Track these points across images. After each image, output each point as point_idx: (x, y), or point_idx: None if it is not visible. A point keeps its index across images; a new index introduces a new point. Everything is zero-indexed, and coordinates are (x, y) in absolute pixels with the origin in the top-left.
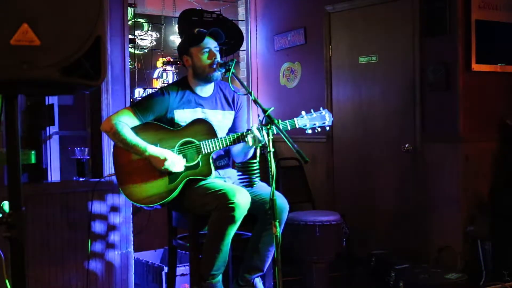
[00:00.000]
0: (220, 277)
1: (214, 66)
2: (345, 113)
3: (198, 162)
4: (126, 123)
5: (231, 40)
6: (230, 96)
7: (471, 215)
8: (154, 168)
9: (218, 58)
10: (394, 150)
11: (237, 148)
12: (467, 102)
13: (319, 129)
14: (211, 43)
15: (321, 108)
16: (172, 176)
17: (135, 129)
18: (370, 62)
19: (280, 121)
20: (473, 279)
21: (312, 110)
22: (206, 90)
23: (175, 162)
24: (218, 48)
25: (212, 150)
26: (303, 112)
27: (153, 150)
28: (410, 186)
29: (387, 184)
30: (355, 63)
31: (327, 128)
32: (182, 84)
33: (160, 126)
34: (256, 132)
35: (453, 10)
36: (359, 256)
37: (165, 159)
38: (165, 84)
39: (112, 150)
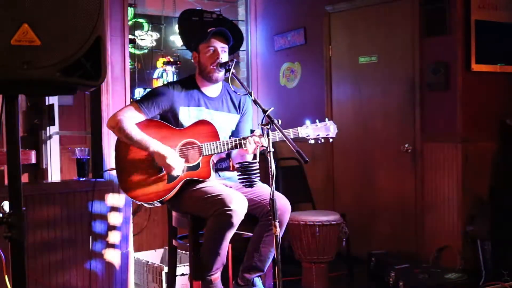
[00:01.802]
0: (218, 274)
1: (215, 66)
2: (345, 113)
3: (199, 163)
4: (131, 118)
5: (232, 40)
6: (236, 100)
7: (471, 215)
8: (153, 165)
9: (222, 59)
10: (394, 150)
11: (235, 151)
12: (467, 102)
13: (322, 140)
14: (218, 43)
15: (326, 119)
16: (172, 175)
17: (138, 126)
18: (370, 62)
19: (280, 121)
20: (473, 279)
21: (317, 121)
22: (212, 90)
23: (175, 165)
24: (225, 50)
25: (213, 153)
26: (308, 122)
27: (157, 146)
28: (410, 186)
29: (387, 184)
30: (355, 63)
31: (331, 140)
32: (189, 82)
33: (163, 124)
34: (258, 138)
35: (453, 10)
36: (359, 256)
37: (166, 158)
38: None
39: (114, 147)
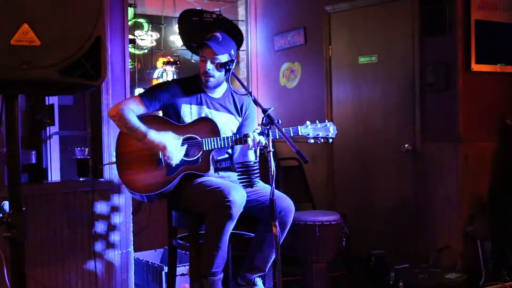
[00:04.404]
0: (221, 275)
1: (204, 76)
2: (345, 113)
3: (198, 158)
4: (132, 109)
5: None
6: (239, 103)
7: (471, 215)
8: (153, 159)
9: (210, 70)
10: (394, 150)
11: (236, 151)
12: (467, 102)
13: (322, 140)
14: (209, 53)
15: (326, 120)
16: (171, 168)
17: (140, 120)
18: (370, 62)
19: (280, 121)
20: (473, 279)
21: (317, 121)
22: (216, 91)
23: (173, 153)
24: (215, 61)
25: (213, 148)
26: (308, 122)
27: (153, 136)
28: (410, 186)
29: (387, 184)
30: (355, 63)
31: (330, 140)
32: (193, 81)
33: (165, 120)
34: (257, 136)
35: (453, 10)
36: (359, 256)
37: (164, 148)
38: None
39: (114, 145)
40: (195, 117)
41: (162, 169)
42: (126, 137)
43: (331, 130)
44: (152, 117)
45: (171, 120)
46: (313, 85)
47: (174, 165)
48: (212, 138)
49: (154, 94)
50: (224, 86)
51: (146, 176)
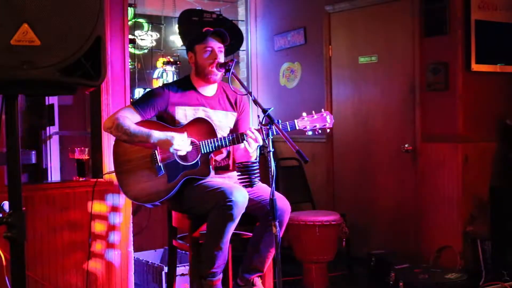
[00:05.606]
0: (220, 275)
1: (214, 67)
2: (345, 113)
3: (197, 161)
4: (128, 117)
5: (231, 40)
6: (232, 98)
7: (471, 215)
8: (152, 166)
9: (220, 60)
10: (394, 150)
11: (238, 150)
12: (467, 102)
13: (320, 131)
14: (215, 43)
15: (322, 110)
16: (171, 174)
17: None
18: (370, 62)
19: (280, 121)
20: (473, 279)
21: (313, 112)
22: (209, 90)
23: (182, 144)
24: (222, 50)
25: (211, 150)
26: (304, 114)
27: (157, 135)
28: (410, 186)
29: (387, 184)
30: (355, 63)
31: (328, 130)
32: (185, 82)
33: (161, 124)
34: (256, 133)
35: (453, 10)
36: (359, 256)
37: (172, 139)
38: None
39: (112, 149)
40: (191, 118)
41: (162, 176)
42: (122, 146)
43: (328, 119)
44: (148, 122)
45: (166, 125)
46: (313, 85)
47: (185, 154)
48: (209, 140)
49: (147, 102)
50: (215, 83)
51: (147, 185)
